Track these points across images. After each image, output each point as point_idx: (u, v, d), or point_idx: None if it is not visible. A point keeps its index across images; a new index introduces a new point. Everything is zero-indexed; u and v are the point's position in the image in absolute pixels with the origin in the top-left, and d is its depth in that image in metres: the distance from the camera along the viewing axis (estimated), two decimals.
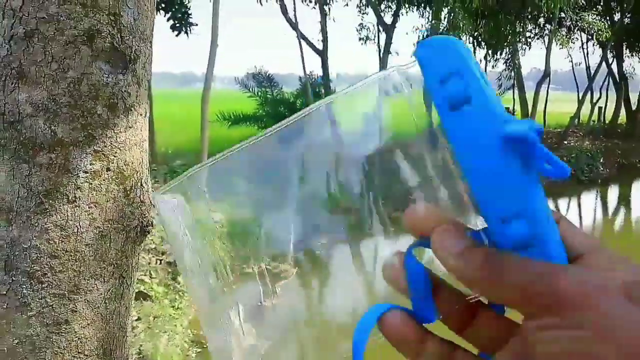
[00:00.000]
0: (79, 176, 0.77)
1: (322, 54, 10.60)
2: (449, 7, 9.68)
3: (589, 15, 12.66)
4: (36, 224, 0.75)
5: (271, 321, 0.31)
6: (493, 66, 13.88)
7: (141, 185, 0.86)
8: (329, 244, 0.31)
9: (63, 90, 0.74)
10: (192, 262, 0.32)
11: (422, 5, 11.57)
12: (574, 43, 14.70)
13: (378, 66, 11.10)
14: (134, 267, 0.87)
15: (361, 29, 12.38)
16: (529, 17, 12.19)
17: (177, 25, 7.97)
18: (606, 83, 16.00)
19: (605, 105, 16.29)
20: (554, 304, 0.22)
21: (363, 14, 12.43)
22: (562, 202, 9.15)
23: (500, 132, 0.24)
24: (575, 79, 15.77)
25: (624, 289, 0.22)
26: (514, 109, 12.46)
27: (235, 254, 0.32)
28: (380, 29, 11.58)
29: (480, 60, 13.19)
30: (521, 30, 12.42)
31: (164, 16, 7.90)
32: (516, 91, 13.31)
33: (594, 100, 15.26)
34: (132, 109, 0.82)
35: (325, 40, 10.57)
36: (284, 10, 9.91)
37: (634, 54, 16.07)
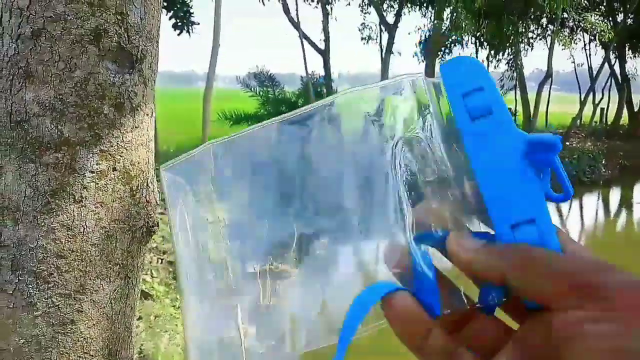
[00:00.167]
0: (85, 176, 0.77)
1: (324, 53, 10.61)
2: (451, 7, 9.69)
3: (591, 15, 12.63)
4: (43, 224, 0.75)
5: (271, 321, 0.31)
6: (495, 66, 13.87)
7: (147, 185, 0.86)
8: (329, 243, 0.30)
9: (70, 90, 0.74)
10: (189, 254, 0.33)
11: (425, 5, 11.58)
12: (576, 44, 14.68)
13: (380, 66, 11.10)
14: (139, 267, 0.87)
15: (363, 28, 12.39)
16: (532, 17, 12.17)
17: (179, 24, 7.97)
18: (608, 84, 16.00)
19: (608, 106, 16.28)
20: (609, 297, 0.22)
21: (365, 13, 12.45)
22: (564, 204, 9.13)
23: (524, 138, 0.26)
24: (577, 80, 15.75)
25: None
26: (515, 109, 12.43)
27: (236, 254, 0.32)
28: (383, 28, 11.59)
29: (483, 61, 13.16)
30: (524, 30, 12.42)
31: (166, 15, 7.90)
32: (518, 92, 13.30)
33: (596, 102, 15.26)
34: (139, 108, 0.82)
35: (327, 40, 10.58)
36: (286, 10, 9.93)
37: (636, 55, 16.05)
